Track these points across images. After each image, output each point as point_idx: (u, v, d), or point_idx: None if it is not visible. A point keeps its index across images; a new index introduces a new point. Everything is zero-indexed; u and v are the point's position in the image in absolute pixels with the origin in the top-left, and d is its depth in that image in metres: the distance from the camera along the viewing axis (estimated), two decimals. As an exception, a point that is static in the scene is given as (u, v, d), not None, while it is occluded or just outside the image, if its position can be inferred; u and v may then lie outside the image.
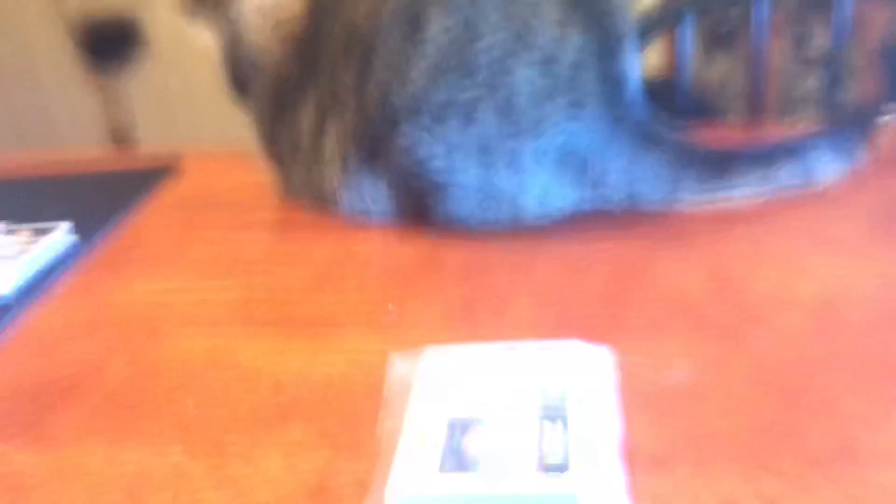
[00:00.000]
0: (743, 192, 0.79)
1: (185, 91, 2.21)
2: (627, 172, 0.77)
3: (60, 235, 0.86)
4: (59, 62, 2.28)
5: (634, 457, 0.50)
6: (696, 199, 0.79)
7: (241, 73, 0.90)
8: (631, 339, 0.61)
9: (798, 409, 0.53)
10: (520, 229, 0.78)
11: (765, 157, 0.79)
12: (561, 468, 0.46)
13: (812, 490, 0.46)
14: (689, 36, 1.17)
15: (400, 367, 0.59)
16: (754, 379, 0.56)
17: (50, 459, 0.56)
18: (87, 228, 0.88)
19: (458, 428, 0.50)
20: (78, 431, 0.58)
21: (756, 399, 0.54)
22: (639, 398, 0.55)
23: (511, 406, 0.52)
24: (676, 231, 0.76)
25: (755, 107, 1.15)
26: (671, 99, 1.11)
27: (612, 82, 0.77)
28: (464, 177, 0.75)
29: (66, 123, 2.38)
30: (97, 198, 0.98)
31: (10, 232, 0.86)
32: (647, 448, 0.51)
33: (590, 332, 0.62)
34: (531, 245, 0.76)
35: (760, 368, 0.57)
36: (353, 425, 0.56)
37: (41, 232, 0.86)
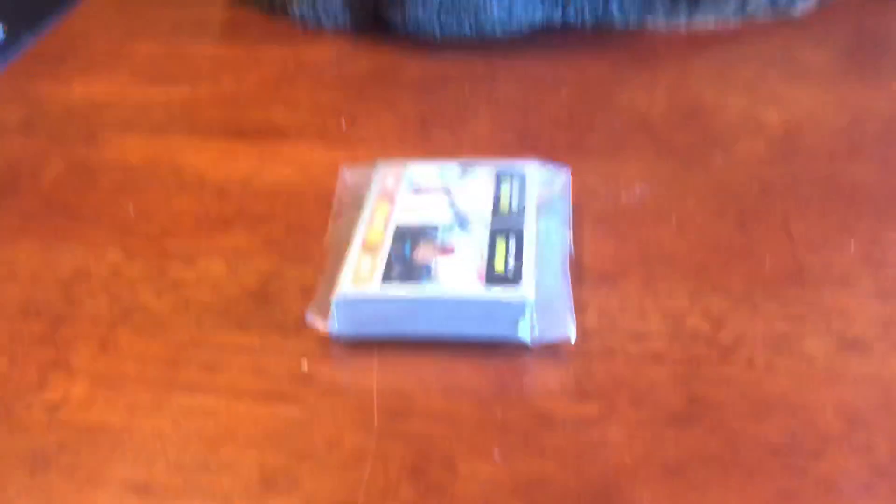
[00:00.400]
0: (715, 16, 0.75)
1: None
2: None
3: (-11, 31, 0.80)
4: None
5: (585, 272, 0.50)
6: (668, 21, 0.75)
7: None
8: (591, 160, 0.60)
9: (752, 233, 0.52)
10: (483, 43, 0.74)
11: None
12: (510, 280, 0.45)
13: (757, 310, 0.46)
14: None
15: (350, 179, 0.57)
16: (711, 202, 0.55)
17: (-18, 259, 0.54)
18: (20, 24, 0.82)
19: (408, 238, 0.49)
20: (12, 232, 0.56)
21: (711, 222, 0.53)
22: (594, 218, 0.54)
23: (463, 220, 0.50)
24: (645, 54, 0.73)
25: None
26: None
27: None
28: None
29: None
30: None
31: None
32: (598, 264, 0.50)
33: (549, 152, 0.61)
34: (494, 61, 0.73)
35: (718, 192, 0.56)
36: (299, 235, 0.54)
37: (-32, 26, 0.80)
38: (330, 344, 0.46)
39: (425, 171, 0.55)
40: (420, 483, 0.38)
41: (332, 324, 0.46)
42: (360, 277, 0.47)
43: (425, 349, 0.45)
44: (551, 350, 0.45)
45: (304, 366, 0.45)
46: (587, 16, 0.75)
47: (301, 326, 0.47)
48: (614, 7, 0.74)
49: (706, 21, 0.75)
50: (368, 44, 0.76)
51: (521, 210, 0.51)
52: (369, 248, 0.49)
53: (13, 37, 0.81)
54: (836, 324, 0.45)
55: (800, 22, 0.77)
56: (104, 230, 0.56)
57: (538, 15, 0.74)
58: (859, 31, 0.76)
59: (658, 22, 0.75)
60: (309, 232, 0.54)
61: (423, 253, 0.48)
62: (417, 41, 0.75)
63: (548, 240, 0.51)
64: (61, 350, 0.46)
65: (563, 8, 0.74)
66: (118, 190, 0.59)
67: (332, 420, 0.42)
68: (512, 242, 0.48)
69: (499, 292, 0.45)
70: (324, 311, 0.46)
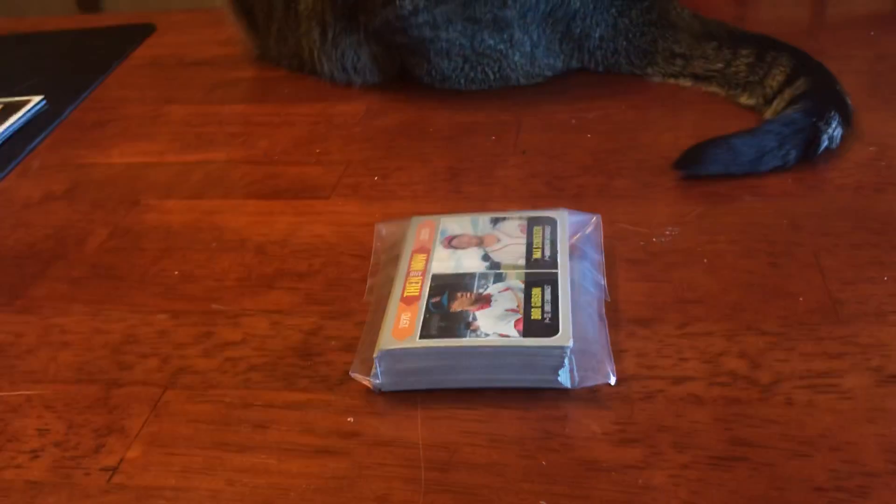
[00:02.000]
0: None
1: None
2: (611, 28, 0.75)
3: (33, 105, 0.83)
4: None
5: (621, 316, 0.50)
6: (664, 75, 0.76)
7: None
8: (620, 204, 0.61)
9: (784, 270, 0.53)
10: (507, 92, 0.76)
11: (744, 40, 0.75)
12: (548, 328, 0.46)
13: (794, 348, 0.47)
14: None
15: (385, 234, 0.59)
16: (741, 241, 0.56)
17: (36, 327, 0.55)
18: (60, 94, 0.85)
19: (445, 290, 0.50)
20: (63, 300, 0.58)
21: (744, 262, 0.54)
22: (626, 262, 0.55)
23: (499, 271, 0.51)
24: (665, 95, 0.74)
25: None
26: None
27: None
28: (449, 32, 0.73)
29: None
30: (69, 61, 0.95)
31: (-21, 102, 0.84)
32: (633, 308, 0.51)
33: (578, 197, 0.62)
34: (518, 109, 0.74)
35: (748, 230, 0.57)
36: (339, 292, 0.56)
37: (13, 104, 0.83)
38: (374, 398, 0.47)
39: (458, 224, 0.56)
40: (470, 534, 0.39)
41: (374, 378, 0.47)
42: (400, 331, 0.48)
43: (468, 399, 0.46)
44: (592, 395, 0.45)
45: (351, 422, 0.46)
46: (600, 64, 0.77)
47: (345, 381, 0.48)
48: (622, 59, 0.76)
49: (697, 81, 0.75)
50: (396, 98, 0.78)
51: (554, 257, 0.52)
52: (407, 301, 0.50)
53: (55, 107, 0.84)
54: (874, 359, 0.46)
55: (819, 56, 0.78)
56: (150, 294, 0.57)
57: (558, 62, 0.76)
58: (880, 61, 0.77)
59: (656, 76, 0.76)
60: (348, 287, 0.56)
61: (460, 304, 0.49)
62: (444, 93, 0.77)
63: (582, 285, 0.51)
64: (115, 414, 0.48)
65: (580, 56, 0.76)
66: (162, 256, 0.61)
67: (381, 474, 0.42)
68: (547, 290, 0.49)
69: (538, 341, 0.46)
70: (366, 366, 0.47)
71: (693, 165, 0.62)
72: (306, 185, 0.68)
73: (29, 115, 0.82)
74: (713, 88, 0.73)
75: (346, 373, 0.48)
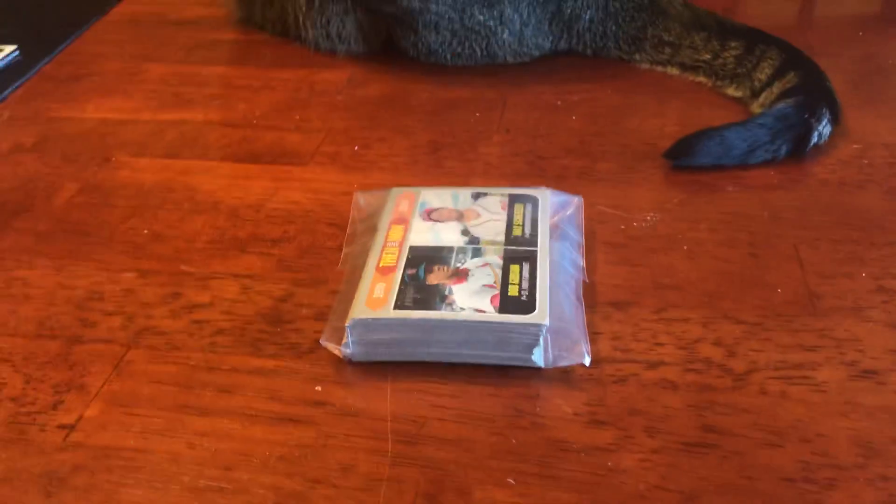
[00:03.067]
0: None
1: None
2: (602, 11, 0.74)
3: (5, 55, 0.80)
4: None
5: (598, 298, 0.50)
6: (652, 61, 0.75)
7: None
8: (602, 187, 0.60)
9: (763, 261, 0.52)
10: (493, 70, 0.75)
11: (734, 32, 0.74)
12: (524, 305, 0.45)
13: (770, 339, 0.47)
14: None
15: (363, 203, 0.58)
16: (722, 230, 0.55)
17: (-4, 279, 0.54)
18: (35, 46, 0.83)
19: (422, 262, 0.49)
20: (27, 253, 0.56)
21: (723, 251, 0.53)
22: (606, 244, 0.54)
23: (477, 245, 0.51)
24: (652, 82, 0.74)
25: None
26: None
27: None
28: (439, 5, 0.71)
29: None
30: (46, 13, 0.92)
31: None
32: (610, 291, 0.50)
33: (560, 179, 0.61)
34: (504, 87, 0.73)
35: (729, 220, 0.56)
36: (312, 258, 0.54)
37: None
38: (344, 367, 0.46)
39: (439, 197, 0.55)
40: (435, 509, 0.38)
41: (345, 347, 0.46)
42: (374, 301, 0.47)
43: (439, 374, 0.45)
44: (565, 376, 0.45)
45: (319, 391, 0.45)
46: (588, 47, 0.76)
47: (315, 349, 0.47)
48: (611, 43, 0.76)
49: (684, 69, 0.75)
50: (380, 69, 0.77)
51: (534, 235, 0.51)
52: (383, 271, 0.49)
53: (27, 58, 0.81)
54: (849, 354, 0.45)
55: (806, 53, 0.78)
56: (118, 251, 0.56)
57: (547, 43, 0.75)
58: (866, 61, 0.77)
59: (643, 62, 0.76)
60: (322, 256, 0.55)
61: (436, 277, 0.48)
62: (428, 67, 0.75)
63: (561, 265, 0.51)
64: (76, 371, 0.47)
65: (569, 38, 0.75)
66: (132, 214, 0.60)
67: (347, 445, 0.42)
68: (525, 268, 0.49)
69: (513, 317, 0.45)
70: (338, 335, 0.46)
71: (684, 157, 0.62)
72: (284, 151, 0.66)
73: (1, 64, 0.80)
74: (700, 78, 0.73)
75: (317, 341, 0.47)
